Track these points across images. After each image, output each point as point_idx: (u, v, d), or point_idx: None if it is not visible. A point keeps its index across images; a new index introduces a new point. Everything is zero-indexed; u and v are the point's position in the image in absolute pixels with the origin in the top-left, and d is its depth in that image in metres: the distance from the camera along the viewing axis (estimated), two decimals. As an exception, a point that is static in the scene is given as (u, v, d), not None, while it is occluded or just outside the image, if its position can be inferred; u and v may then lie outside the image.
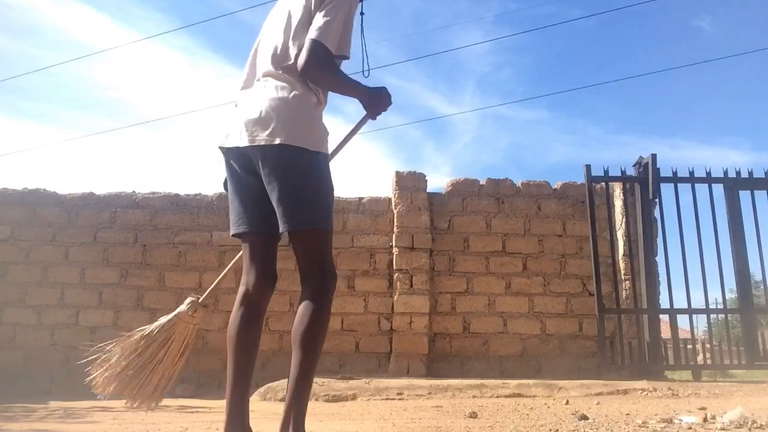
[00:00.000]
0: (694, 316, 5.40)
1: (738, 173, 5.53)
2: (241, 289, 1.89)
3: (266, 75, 1.88)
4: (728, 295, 5.57)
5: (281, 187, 1.75)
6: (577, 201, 5.92)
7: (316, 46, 1.76)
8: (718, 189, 5.53)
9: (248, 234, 1.89)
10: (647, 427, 2.55)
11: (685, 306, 5.34)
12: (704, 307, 5.39)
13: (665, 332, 5.95)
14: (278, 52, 1.87)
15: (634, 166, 5.79)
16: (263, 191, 1.80)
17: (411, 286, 5.53)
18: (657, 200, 5.45)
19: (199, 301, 2.08)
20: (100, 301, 5.66)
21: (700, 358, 5.71)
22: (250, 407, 1.86)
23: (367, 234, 5.72)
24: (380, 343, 5.51)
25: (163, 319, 2.06)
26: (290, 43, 1.85)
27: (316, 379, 4.17)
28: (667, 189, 5.50)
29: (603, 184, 5.64)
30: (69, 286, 5.68)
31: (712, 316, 5.58)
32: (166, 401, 4.45)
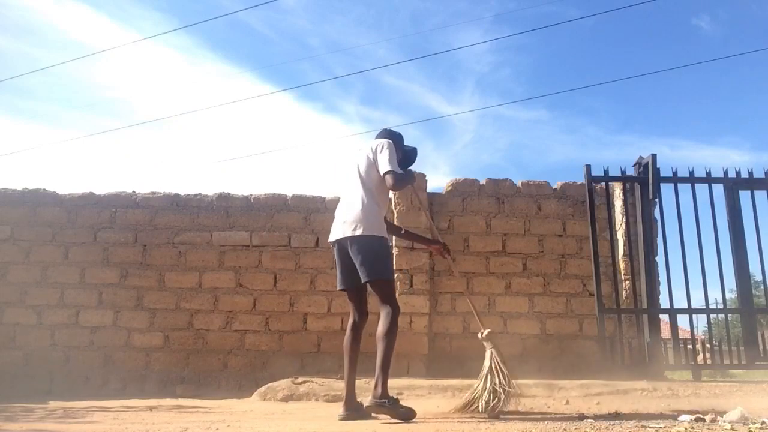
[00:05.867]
0: (694, 316, 5.40)
1: (738, 173, 5.52)
2: (350, 321, 3.23)
3: (350, 196, 3.18)
4: (728, 295, 5.55)
5: (362, 256, 3.03)
6: (577, 201, 5.92)
7: (392, 174, 3.04)
8: (718, 189, 5.52)
9: (347, 289, 3.22)
10: (647, 428, 2.55)
11: (685, 306, 5.34)
12: (704, 307, 5.38)
13: (665, 332, 5.95)
14: (356, 185, 3.16)
15: (634, 166, 5.77)
16: (352, 264, 3.09)
17: (411, 285, 5.53)
18: (657, 200, 5.43)
19: (487, 332, 3.34)
20: (100, 301, 5.66)
21: (700, 358, 5.70)
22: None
23: (367, 234, 5.71)
24: (380, 343, 5.50)
25: (487, 357, 3.30)
26: (363, 180, 3.15)
27: (316, 380, 4.29)
28: (667, 189, 5.49)
29: (603, 184, 5.63)
30: (69, 286, 5.68)
31: (712, 316, 5.57)
32: (166, 401, 4.45)
